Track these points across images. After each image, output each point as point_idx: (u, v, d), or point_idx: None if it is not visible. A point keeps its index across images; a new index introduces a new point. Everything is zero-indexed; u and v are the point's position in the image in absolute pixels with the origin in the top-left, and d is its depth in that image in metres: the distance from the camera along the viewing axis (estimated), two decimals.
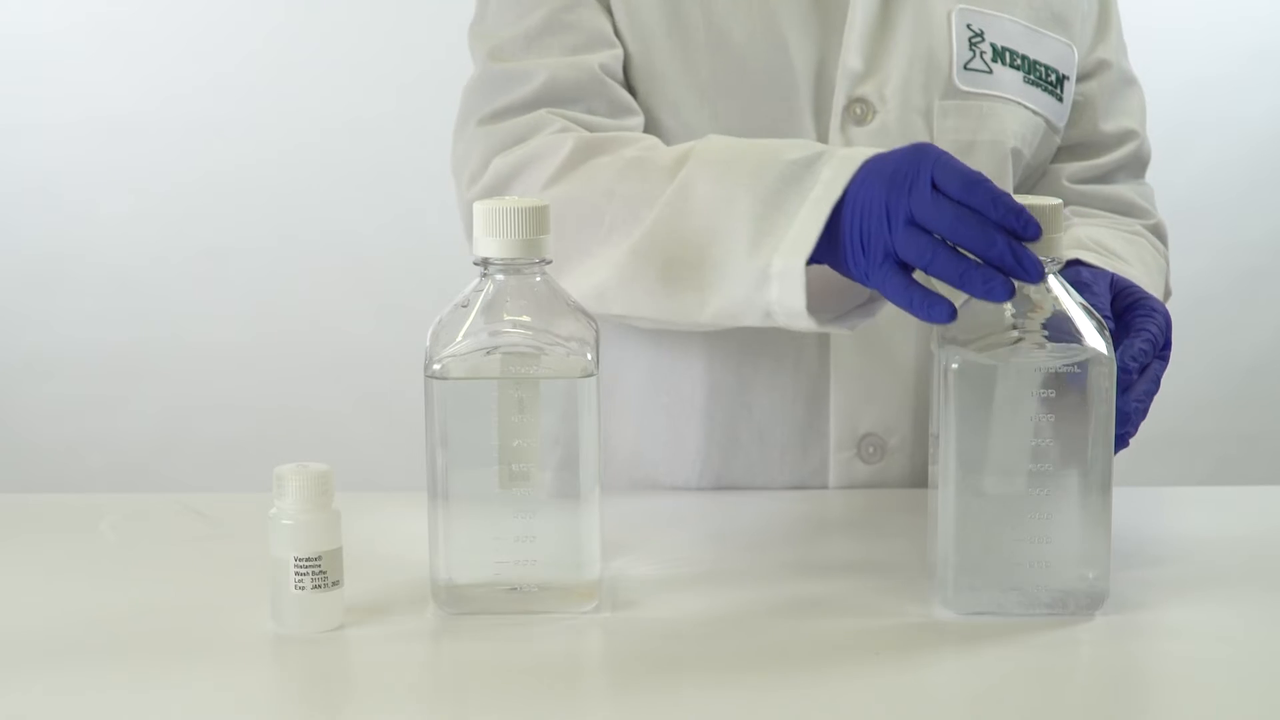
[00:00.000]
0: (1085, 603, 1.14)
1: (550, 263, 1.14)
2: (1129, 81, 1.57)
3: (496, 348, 1.12)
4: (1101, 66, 1.55)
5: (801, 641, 1.11)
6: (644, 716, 1.01)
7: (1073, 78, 1.51)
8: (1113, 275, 1.31)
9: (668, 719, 1.01)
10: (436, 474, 1.14)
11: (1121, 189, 1.56)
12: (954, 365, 1.12)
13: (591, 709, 1.03)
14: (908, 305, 1.13)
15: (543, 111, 1.38)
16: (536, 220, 1.12)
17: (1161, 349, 1.26)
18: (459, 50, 1.50)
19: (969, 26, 1.45)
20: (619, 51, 1.41)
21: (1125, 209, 1.55)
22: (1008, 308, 1.12)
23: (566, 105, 1.39)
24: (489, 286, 1.13)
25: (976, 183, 1.12)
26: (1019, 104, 1.47)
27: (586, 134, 1.36)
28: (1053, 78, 1.49)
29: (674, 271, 1.26)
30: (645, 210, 1.28)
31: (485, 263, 1.13)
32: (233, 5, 3.10)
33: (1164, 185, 3.44)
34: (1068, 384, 1.11)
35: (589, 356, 1.13)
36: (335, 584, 1.13)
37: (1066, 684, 1.07)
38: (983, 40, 1.46)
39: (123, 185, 3.11)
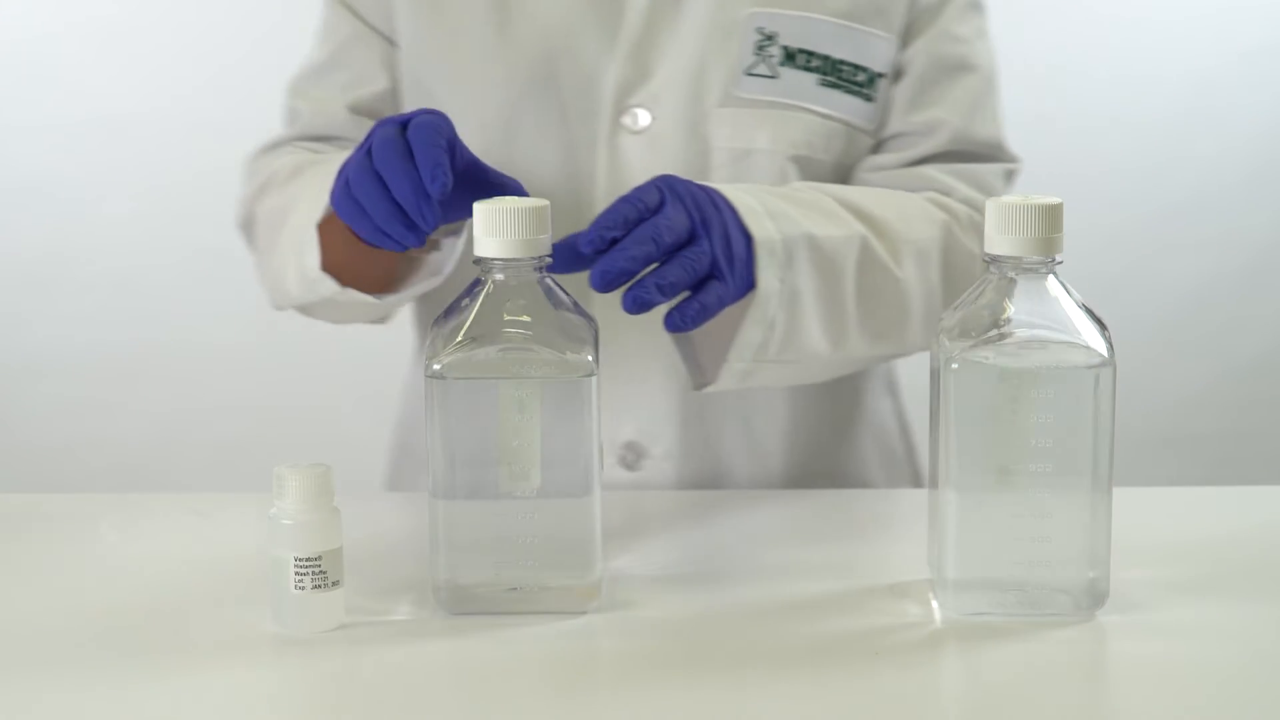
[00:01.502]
0: (1085, 603, 1.14)
1: (552, 260, 1.14)
2: (952, 69, 1.48)
3: (496, 347, 1.12)
4: (914, 59, 1.46)
5: (801, 641, 1.11)
6: (644, 716, 1.01)
7: (890, 74, 1.46)
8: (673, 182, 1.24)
9: (667, 719, 1.01)
10: (436, 474, 1.14)
11: (920, 169, 1.46)
12: (954, 365, 1.12)
13: (591, 709, 1.03)
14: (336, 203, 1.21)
15: (289, 146, 1.51)
16: (536, 220, 1.12)
17: (657, 209, 1.20)
18: None
19: (760, 30, 1.41)
20: (379, 87, 1.49)
21: (923, 188, 1.46)
22: (1009, 306, 1.12)
23: (321, 141, 1.51)
24: (489, 286, 1.13)
25: (429, 128, 1.17)
26: (807, 110, 1.43)
27: (304, 156, 1.47)
28: (861, 77, 1.44)
29: (283, 250, 1.38)
30: (294, 204, 1.40)
31: (485, 262, 1.13)
32: (231, 5, 3.10)
33: (1165, 183, 3.47)
34: (1067, 384, 1.11)
35: (589, 356, 1.13)
36: (335, 584, 1.12)
37: (1066, 684, 1.07)
38: (773, 43, 1.41)
39: (123, 185, 3.11)
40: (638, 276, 1.16)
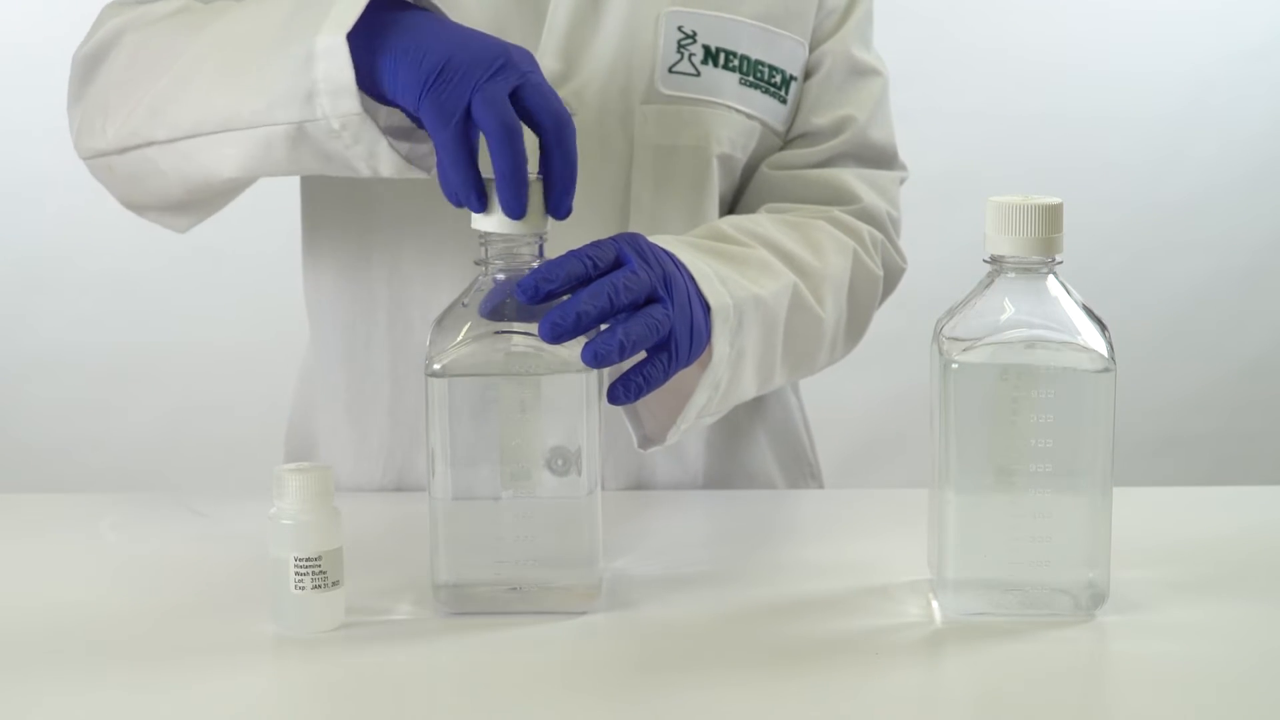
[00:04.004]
0: (1085, 603, 1.14)
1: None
2: (859, 72, 1.49)
3: (497, 346, 1.12)
4: (823, 59, 1.47)
5: (801, 641, 1.11)
6: (644, 716, 1.01)
7: (801, 78, 1.47)
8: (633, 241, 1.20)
9: (667, 719, 1.01)
10: (437, 473, 1.14)
11: (829, 172, 1.47)
12: (954, 365, 1.12)
13: (591, 709, 1.03)
14: (444, 159, 1.13)
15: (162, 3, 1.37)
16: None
17: (612, 266, 1.15)
18: None
19: (680, 28, 1.41)
20: None
21: (831, 195, 1.46)
22: (1009, 306, 1.12)
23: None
24: (489, 285, 1.13)
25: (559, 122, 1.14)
26: (730, 108, 1.43)
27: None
28: (777, 79, 1.44)
29: (224, 70, 1.25)
30: (213, 23, 1.29)
31: (486, 261, 1.13)
32: None
33: (1165, 183, 3.46)
34: (1067, 384, 1.11)
35: None
36: (335, 584, 1.12)
37: (1066, 684, 1.07)
38: (694, 42, 1.41)
39: None
40: (592, 331, 1.13)
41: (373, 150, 1.20)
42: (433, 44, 1.16)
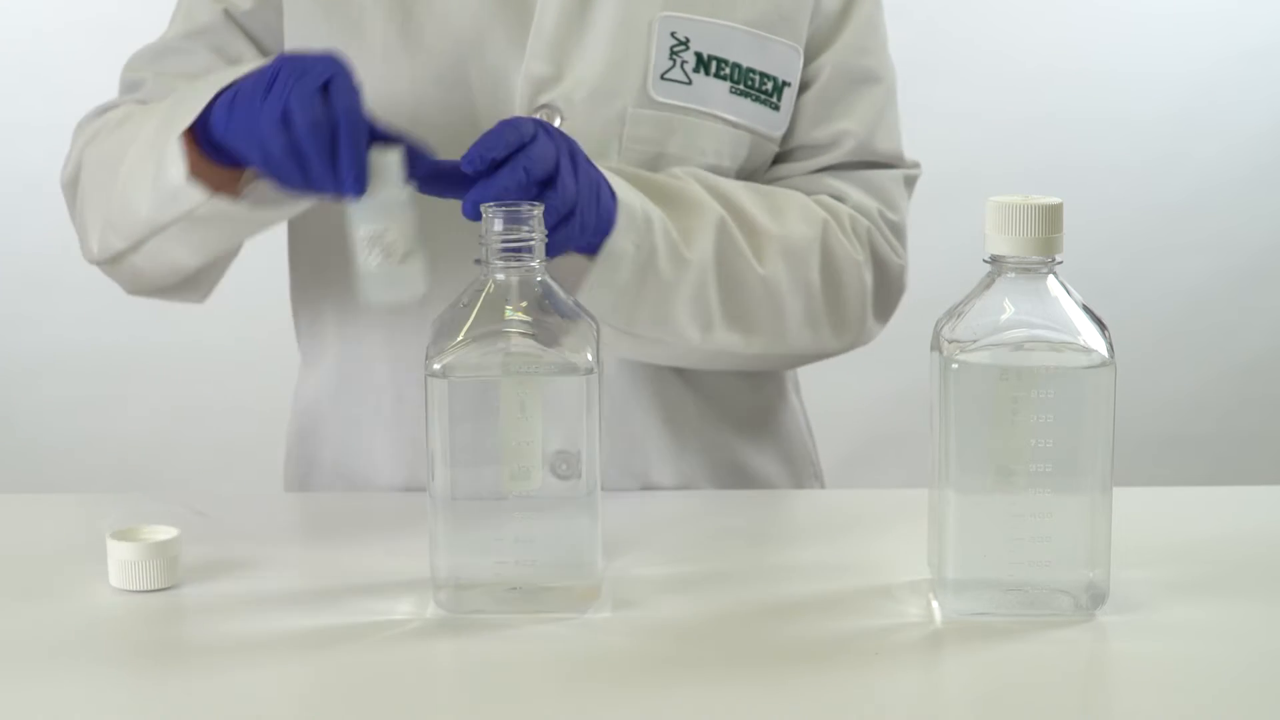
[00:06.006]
0: (1085, 603, 1.14)
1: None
2: (859, 81, 1.48)
3: (497, 346, 1.12)
4: (819, 72, 1.47)
5: (801, 641, 1.11)
6: (644, 716, 1.01)
7: (795, 83, 1.45)
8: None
9: (667, 719, 1.01)
10: (437, 474, 1.14)
11: (814, 176, 1.48)
12: (954, 365, 1.12)
13: (592, 709, 1.03)
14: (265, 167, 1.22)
15: (130, 101, 1.47)
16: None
17: (531, 140, 1.22)
18: None
19: (673, 34, 1.41)
20: None
21: (819, 191, 1.48)
22: (1009, 306, 1.12)
23: None
24: (489, 285, 1.13)
25: (355, 114, 1.20)
26: (718, 118, 1.42)
27: (137, 107, 1.43)
28: (769, 86, 1.43)
29: (132, 179, 1.34)
30: (135, 130, 1.37)
31: (486, 261, 1.13)
32: None
33: (1165, 183, 3.46)
34: (1067, 384, 1.11)
35: (589, 355, 1.13)
36: (408, 255, 1.20)
37: (1066, 684, 1.07)
38: (686, 49, 1.41)
39: None
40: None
41: (251, 216, 1.31)
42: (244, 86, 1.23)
